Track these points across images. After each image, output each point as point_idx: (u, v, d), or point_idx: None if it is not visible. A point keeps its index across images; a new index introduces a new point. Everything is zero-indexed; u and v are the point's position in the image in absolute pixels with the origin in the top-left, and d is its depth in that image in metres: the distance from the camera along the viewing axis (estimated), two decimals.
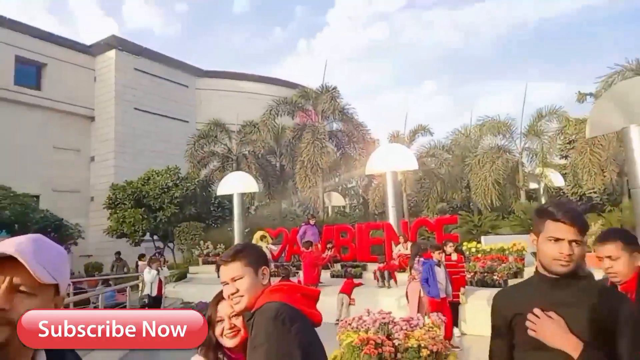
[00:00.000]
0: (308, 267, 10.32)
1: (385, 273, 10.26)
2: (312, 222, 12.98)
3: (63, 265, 1.01)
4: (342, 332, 4.92)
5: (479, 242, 12.00)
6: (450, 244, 8.73)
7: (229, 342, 1.76)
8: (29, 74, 28.95)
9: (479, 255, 11.06)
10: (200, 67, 36.36)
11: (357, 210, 26.30)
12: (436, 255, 7.30)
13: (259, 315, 1.62)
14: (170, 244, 19.65)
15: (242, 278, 1.71)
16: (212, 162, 21.56)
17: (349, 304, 9.63)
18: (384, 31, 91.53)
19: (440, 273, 7.22)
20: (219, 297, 1.85)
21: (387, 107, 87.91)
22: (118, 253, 16.20)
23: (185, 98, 34.95)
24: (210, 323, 1.78)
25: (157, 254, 17.39)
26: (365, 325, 4.72)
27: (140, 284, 10.12)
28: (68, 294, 11.11)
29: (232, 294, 1.71)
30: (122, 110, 30.87)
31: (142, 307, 9.56)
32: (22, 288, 0.90)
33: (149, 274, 9.76)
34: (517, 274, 10.23)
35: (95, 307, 9.26)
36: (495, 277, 9.86)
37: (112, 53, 30.99)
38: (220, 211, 20.84)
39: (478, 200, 16.48)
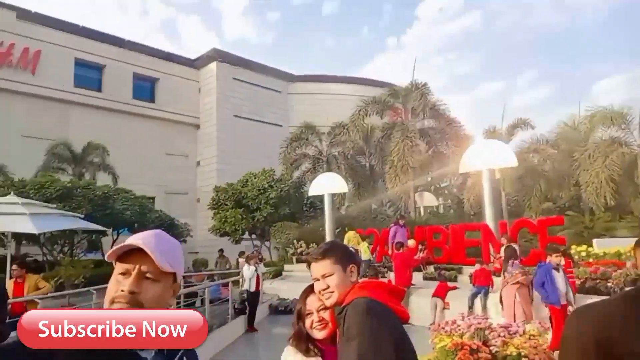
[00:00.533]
0: (399, 268, 10.18)
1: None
2: (401, 222, 12.75)
3: (179, 257, 1.17)
4: (435, 336, 4.80)
5: (590, 245, 10.87)
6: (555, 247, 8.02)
7: (318, 334, 1.84)
8: (145, 88, 32.47)
9: (591, 260, 10.04)
10: (292, 73, 37.82)
11: (451, 210, 25.31)
12: (554, 259, 6.77)
13: (350, 310, 1.68)
14: (267, 243, 20.69)
15: (332, 275, 1.79)
16: (304, 163, 22.24)
17: (443, 308, 9.31)
18: (477, 19, 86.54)
19: (559, 278, 6.71)
20: (308, 292, 1.96)
21: (483, 101, 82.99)
22: (221, 250, 17.44)
23: (279, 103, 36.58)
24: (300, 316, 1.90)
25: (254, 252, 18.44)
26: (459, 329, 4.56)
27: (240, 280, 10.80)
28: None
29: (323, 290, 1.79)
30: (223, 117, 33.31)
31: (242, 301, 10.20)
32: (148, 275, 1.07)
33: (247, 270, 10.37)
34: (636, 281, 9.08)
35: (202, 301, 10.09)
36: (609, 285, 8.85)
37: (213, 65, 33.55)
38: (312, 211, 21.45)
39: (589, 199, 14.85)
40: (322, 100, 35.60)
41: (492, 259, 11.08)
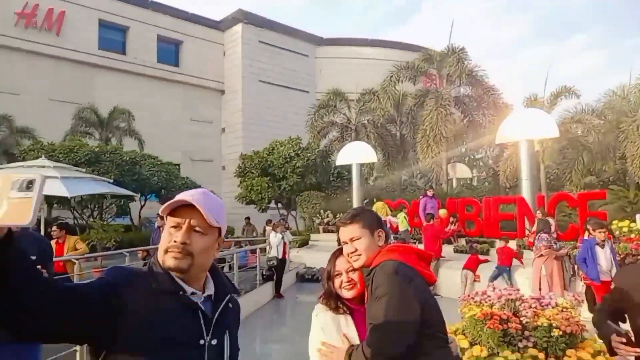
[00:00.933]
0: (429, 240, 10.33)
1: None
2: (429, 193, 12.79)
3: (223, 214, 1.35)
4: (464, 306, 4.97)
5: (633, 220, 10.70)
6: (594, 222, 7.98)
7: (347, 294, 2.00)
8: (169, 52, 32.77)
9: (632, 236, 9.91)
10: (320, 36, 37.24)
11: (485, 183, 25.01)
12: (598, 235, 6.82)
13: (379, 271, 1.85)
14: (293, 212, 21.09)
15: (359, 239, 1.96)
16: (332, 131, 22.24)
17: (474, 281, 9.47)
18: None
19: (601, 254, 6.78)
20: (337, 254, 2.13)
21: (525, 67, 79.91)
22: (248, 218, 17.94)
23: (305, 68, 36.29)
24: (329, 276, 2.07)
25: (280, 220, 18.87)
26: (489, 300, 4.70)
27: (267, 247, 11.20)
28: None
29: (351, 253, 1.97)
30: (248, 82, 33.41)
31: (269, 268, 10.62)
32: (197, 228, 1.26)
33: (274, 238, 10.74)
34: None
35: (230, 267, 10.57)
36: None
37: (238, 27, 33.40)
38: (339, 181, 21.61)
39: (635, 173, 14.42)
40: (351, 65, 35.11)
41: (527, 232, 11.09)
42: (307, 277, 12.53)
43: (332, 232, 14.96)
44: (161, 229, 10.17)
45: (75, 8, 27.99)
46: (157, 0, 31.55)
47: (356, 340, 1.92)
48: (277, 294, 10.50)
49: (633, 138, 14.39)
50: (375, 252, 1.95)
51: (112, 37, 30.28)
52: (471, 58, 18.44)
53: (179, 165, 27.40)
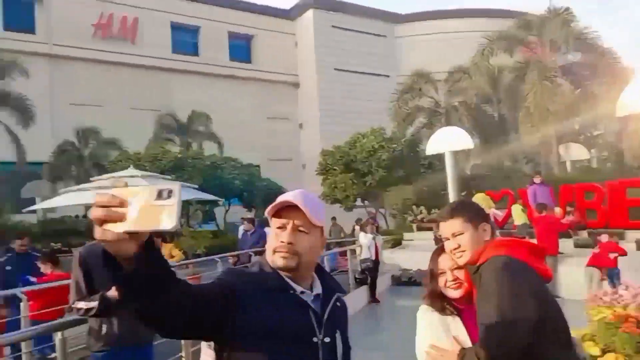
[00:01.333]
0: (543, 234, 9.85)
1: None
2: (537, 180, 12.07)
3: (324, 213, 1.51)
4: (591, 307, 4.77)
5: None
6: None
7: (453, 293, 2.03)
8: (240, 48, 34.31)
9: None
10: (398, 12, 36.69)
11: (607, 164, 23.13)
12: None
13: (487, 268, 1.85)
14: (382, 210, 21.09)
15: (462, 234, 1.96)
16: (419, 118, 21.90)
17: (600, 280, 8.91)
18: None
19: None
20: (439, 251, 2.15)
21: None
22: (334, 218, 18.32)
23: (384, 50, 35.99)
24: (433, 275, 2.10)
25: (369, 219, 19.00)
26: (622, 300, 4.48)
27: (358, 249, 11.39)
28: None
29: (454, 249, 1.97)
30: (323, 72, 33.93)
31: (363, 270, 10.80)
32: (301, 228, 1.42)
33: (365, 238, 10.90)
34: None
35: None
36: None
37: (309, 13, 34.03)
38: (430, 173, 21.22)
39: None
40: (436, 41, 34.18)
41: None
42: (403, 280, 12.53)
43: (428, 229, 14.75)
44: (248, 232, 10.81)
45: (147, 13, 30.35)
46: None
47: (467, 343, 1.93)
48: (373, 299, 10.65)
49: None
50: (481, 248, 1.93)
51: (184, 39, 32.41)
52: (579, 18, 17.14)
53: (258, 166, 28.58)
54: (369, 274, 10.64)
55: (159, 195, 0.93)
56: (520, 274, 1.84)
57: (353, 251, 11.88)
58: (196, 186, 15.82)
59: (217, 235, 18.61)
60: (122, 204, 0.94)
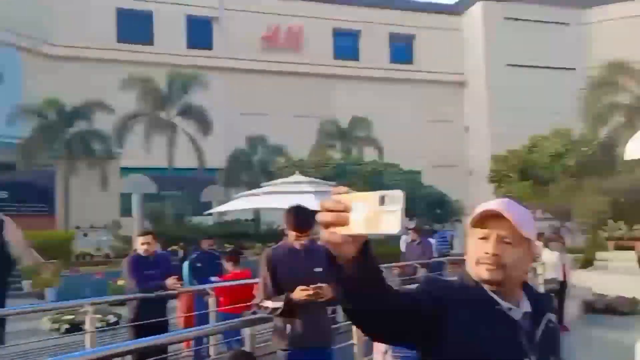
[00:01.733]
0: None
1: None
2: None
3: (532, 224, 1.38)
4: None
5: None
6: None
7: None
8: (401, 49, 34.51)
9: None
10: None
11: None
12: None
13: None
14: (567, 223, 19.24)
15: None
16: (615, 116, 19.56)
17: None
18: None
19: None
20: None
21: None
22: None
23: (567, 39, 32.98)
24: None
25: (554, 234, 17.44)
26: None
27: (541, 267, 10.49)
28: None
29: None
30: (494, 69, 32.36)
31: (550, 291, 9.90)
32: (506, 239, 1.32)
33: (550, 255, 10.00)
34: None
35: None
36: None
37: (477, 6, 32.80)
38: (631, 181, 18.76)
39: None
40: (633, 26, 30.05)
41: None
42: (598, 307, 11.23)
43: (627, 248, 13.16)
44: (415, 242, 10.69)
45: (310, 22, 32.28)
46: None
47: None
48: (561, 327, 9.72)
49: None
50: None
51: (345, 44, 33.72)
52: None
53: (419, 172, 28.29)
54: (556, 297, 9.72)
55: (382, 201, 1.00)
56: None
57: (533, 269, 11.03)
58: None
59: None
60: (346, 208, 1.02)
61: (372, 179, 20.74)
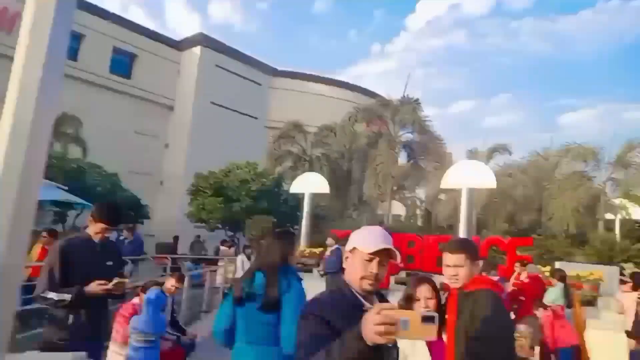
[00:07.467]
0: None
1: None
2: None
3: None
4: None
5: (552, 266, 12.14)
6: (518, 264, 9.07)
7: None
8: (122, 63, 31.68)
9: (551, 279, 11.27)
10: (274, 67, 37.95)
11: (411, 220, 26.50)
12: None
13: (484, 295, 2.28)
14: (237, 234, 20.91)
15: (462, 267, 2.34)
16: (287, 161, 22.61)
17: None
18: (463, 37, 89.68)
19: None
20: (419, 280, 2.54)
21: (454, 117, 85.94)
22: (198, 236, 17.65)
23: (258, 96, 36.65)
24: (408, 299, 2.45)
25: (229, 241, 18.72)
26: None
27: (232, 267, 11.20)
28: (166, 268, 12.46)
29: (452, 276, 2.36)
30: (199, 103, 33.06)
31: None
32: (383, 263, 1.64)
33: (240, 260, 10.83)
34: (591, 302, 10.46)
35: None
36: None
37: (197, 49, 33.24)
38: (285, 207, 21.86)
39: (554, 226, 16.35)
40: (302, 98, 35.92)
41: None
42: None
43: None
44: (127, 241, 9.90)
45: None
46: (118, 13, 30.71)
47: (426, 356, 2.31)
48: None
49: (555, 195, 16.34)
50: (471, 279, 2.34)
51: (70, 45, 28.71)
52: (422, 108, 19.98)
53: (116, 174, 26.12)
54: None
55: (424, 319, 1.22)
56: (504, 306, 2.32)
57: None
58: (66, 188, 13.92)
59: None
60: (394, 322, 1.20)
61: (75, 175, 18.12)
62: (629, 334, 6.43)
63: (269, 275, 2.61)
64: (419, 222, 25.47)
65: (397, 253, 1.69)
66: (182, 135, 32.98)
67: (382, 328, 1.19)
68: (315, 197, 21.08)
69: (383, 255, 1.62)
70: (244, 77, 35.56)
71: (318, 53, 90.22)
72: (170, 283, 5.52)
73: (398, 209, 26.50)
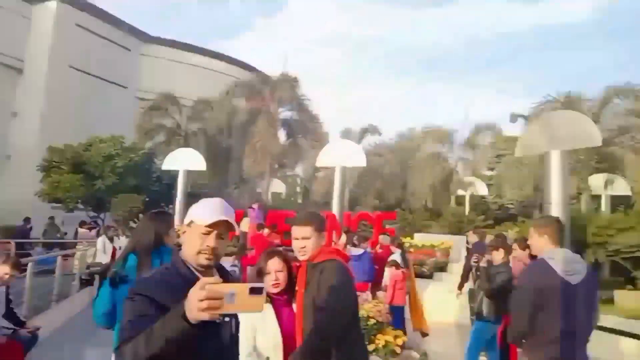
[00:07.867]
0: (260, 248, 10.98)
1: None
2: (254, 206, 13.65)
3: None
4: None
5: (411, 237, 13.46)
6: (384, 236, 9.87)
7: (272, 290, 2.40)
8: None
9: (412, 250, 12.49)
10: (147, 32, 34.86)
11: (292, 198, 27.06)
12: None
13: (329, 266, 2.36)
14: (102, 215, 19.09)
15: (309, 239, 2.38)
16: (159, 135, 21.13)
17: None
18: (345, 22, 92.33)
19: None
20: (270, 254, 2.55)
21: (329, 97, 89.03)
22: (52, 218, 15.63)
23: (127, 62, 33.43)
24: (260, 273, 2.45)
25: (91, 222, 17.05)
26: None
27: (92, 251, 10.19)
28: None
29: (301, 248, 2.40)
30: (56, 66, 28.98)
31: (91, 273, 9.70)
32: (222, 235, 1.53)
33: (101, 242, 9.91)
34: (443, 268, 11.87)
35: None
36: (424, 269, 11.37)
37: (52, 3, 28.95)
38: (158, 185, 20.54)
39: (414, 201, 18.05)
40: (177, 68, 33.62)
41: (333, 244, 12.80)
42: None
43: None
44: None
45: None
46: None
47: (275, 324, 2.35)
48: None
49: (416, 173, 18.00)
50: (318, 249, 2.40)
51: None
52: (300, 86, 20.13)
53: None
54: (101, 277, 9.63)
55: (252, 291, 1.18)
56: (348, 274, 2.39)
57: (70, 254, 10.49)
58: None
59: None
60: (220, 296, 1.16)
61: None
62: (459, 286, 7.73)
63: (141, 257, 2.60)
64: (299, 200, 26.08)
65: (237, 225, 1.60)
66: (34, 102, 28.63)
67: (204, 304, 1.13)
68: (191, 174, 20.23)
69: (222, 227, 1.52)
70: (110, 40, 32.04)
71: (197, 22, 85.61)
72: (3, 271, 4.79)
73: (279, 186, 26.72)
